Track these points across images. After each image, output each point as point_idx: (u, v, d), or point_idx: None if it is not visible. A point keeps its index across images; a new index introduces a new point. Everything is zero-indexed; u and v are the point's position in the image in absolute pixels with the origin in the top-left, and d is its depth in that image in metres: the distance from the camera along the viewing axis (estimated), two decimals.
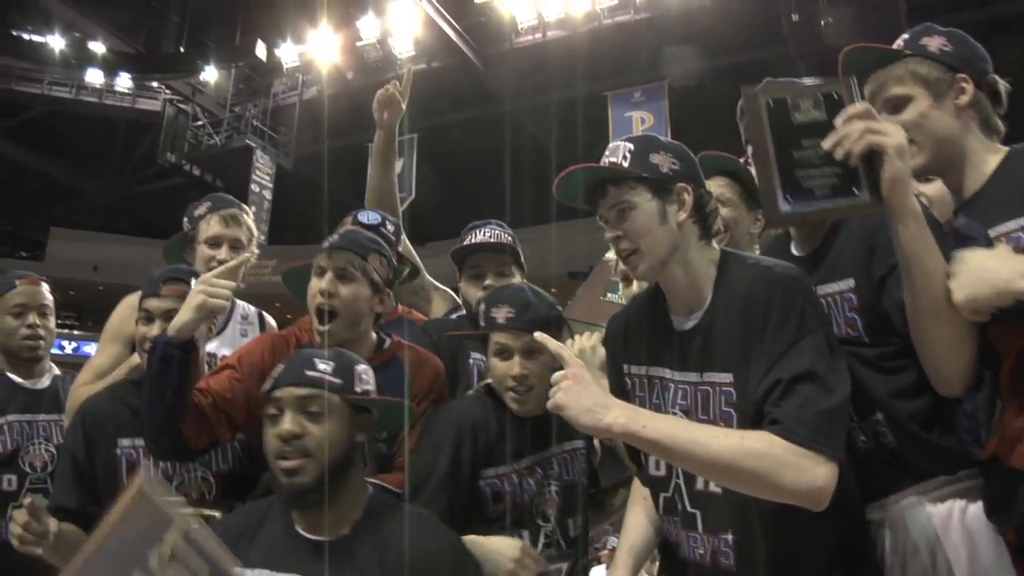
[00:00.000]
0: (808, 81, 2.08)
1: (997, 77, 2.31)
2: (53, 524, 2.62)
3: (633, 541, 2.62)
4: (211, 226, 3.48)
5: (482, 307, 2.85)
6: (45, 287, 3.77)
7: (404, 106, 3.82)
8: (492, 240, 3.39)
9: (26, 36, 26.81)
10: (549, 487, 2.79)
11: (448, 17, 22.47)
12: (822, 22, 17.91)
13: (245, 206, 3.67)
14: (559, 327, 2.84)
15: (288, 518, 2.34)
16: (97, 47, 26.34)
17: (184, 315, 2.60)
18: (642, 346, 2.37)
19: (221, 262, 3.39)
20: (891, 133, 1.92)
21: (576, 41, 21.87)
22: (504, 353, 2.72)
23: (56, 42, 26.18)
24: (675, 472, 2.29)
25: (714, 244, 2.30)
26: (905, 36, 2.33)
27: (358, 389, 2.38)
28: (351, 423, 2.36)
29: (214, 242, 3.47)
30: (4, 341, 3.66)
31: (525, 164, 21.06)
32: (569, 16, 22.05)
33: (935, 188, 3.11)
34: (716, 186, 3.51)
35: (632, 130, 21.20)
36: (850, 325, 2.22)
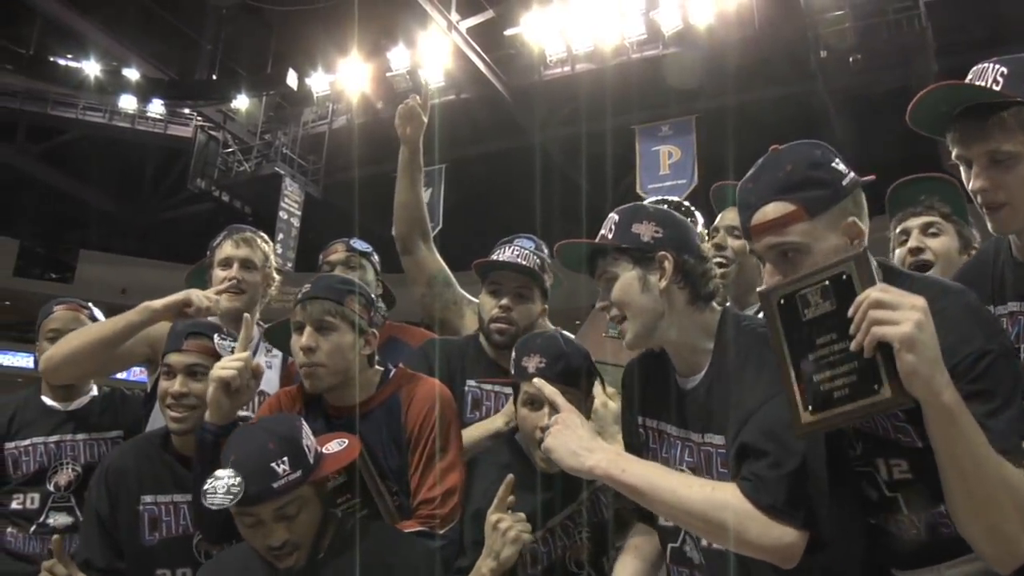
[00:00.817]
0: (817, 269, 1.87)
1: None
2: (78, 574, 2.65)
3: None
4: (223, 249, 3.57)
5: (513, 355, 2.84)
6: (84, 314, 3.90)
7: (425, 119, 3.82)
8: (517, 262, 3.35)
9: (62, 62, 27.15)
10: (580, 535, 2.76)
11: (478, 49, 22.59)
12: (850, 59, 17.88)
13: (264, 234, 3.74)
14: (591, 377, 2.83)
15: None
16: (131, 73, 26.62)
17: (210, 402, 2.76)
18: (653, 400, 2.41)
19: (233, 280, 3.47)
20: (899, 320, 1.65)
21: (605, 74, 21.94)
22: (534, 404, 2.70)
23: (91, 68, 26.49)
24: None
25: (714, 305, 2.30)
26: (1003, 70, 1.99)
27: (311, 460, 2.43)
28: (320, 494, 2.49)
29: (225, 263, 3.55)
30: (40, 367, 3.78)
31: (554, 196, 21.08)
32: (598, 49, 22.09)
33: (940, 243, 3.08)
34: (734, 215, 3.51)
35: (659, 164, 21.22)
36: None
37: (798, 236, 2.05)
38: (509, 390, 3.21)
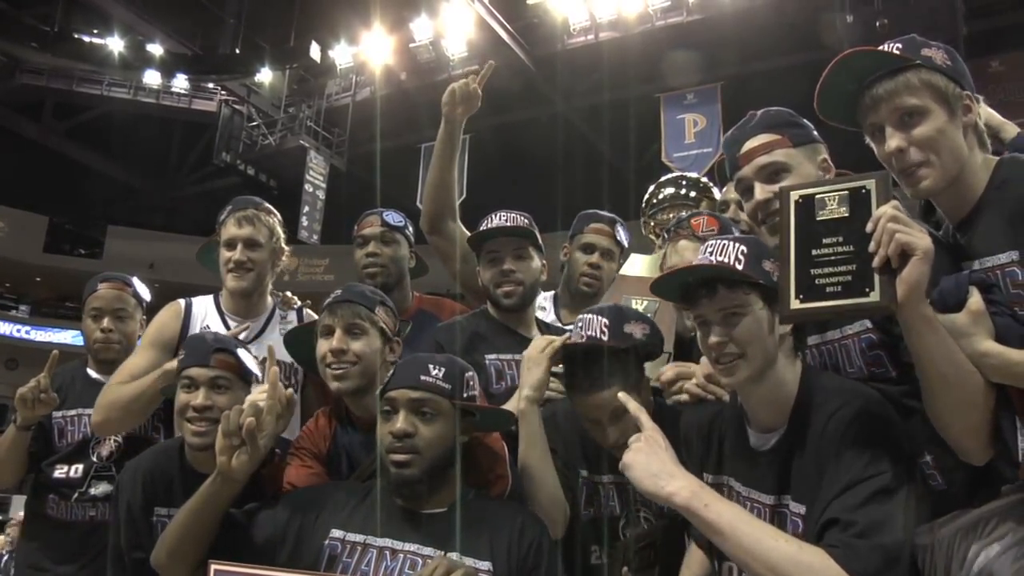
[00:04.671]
0: (840, 179, 2.08)
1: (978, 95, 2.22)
2: None
3: None
4: (227, 228, 3.57)
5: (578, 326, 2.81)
6: (127, 292, 3.93)
7: (479, 103, 3.82)
8: (508, 224, 3.37)
9: (86, 39, 27.30)
10: (638, 512, 2.74)
11: (501, 19, 22.52)
12: (877, 23, 17.65)
13: (270, 207, 3.72)
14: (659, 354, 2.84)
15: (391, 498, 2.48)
16: (155, 49, 26.78)
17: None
18: (719, 456, 2.32)
19: (238, 262, 3.47)
20: (922, 235, 1.84)
21: (628, 42, 21.80)
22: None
23: (115, 44, 26.62)
24: None
25: (797, 360, 2.21)
26: (898, 45, 2.17)
27: (466, 395, 2.49)
28: (456, 424, 2.46)
29: (229, 243, 3.54)
30: (86, 342, 3.93)
31: (577, 166, 21.02)
32: (621, 17, 21.99)
33: None
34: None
35: (684, 132, 21.13)
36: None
37: (783, 157, 2.36)
38: None
